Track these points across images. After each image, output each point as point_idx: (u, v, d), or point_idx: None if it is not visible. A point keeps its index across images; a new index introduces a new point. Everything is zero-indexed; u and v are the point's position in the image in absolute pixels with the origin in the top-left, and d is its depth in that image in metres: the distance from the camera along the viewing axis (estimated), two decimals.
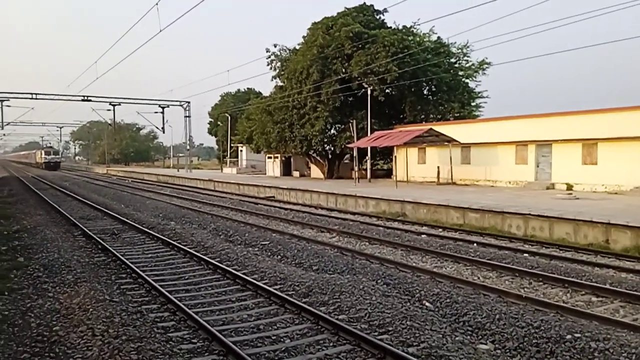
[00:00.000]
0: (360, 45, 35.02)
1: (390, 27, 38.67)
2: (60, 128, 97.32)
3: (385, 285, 9.24)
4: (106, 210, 21.29)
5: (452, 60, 41.09)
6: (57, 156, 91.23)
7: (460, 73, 41.45)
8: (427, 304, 8.25)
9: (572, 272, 10.51)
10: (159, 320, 7.58)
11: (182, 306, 7.90)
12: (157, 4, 18.65)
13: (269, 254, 12.65)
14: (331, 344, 6.62)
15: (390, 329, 6.93)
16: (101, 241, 13.85)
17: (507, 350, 6.53)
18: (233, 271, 10.25)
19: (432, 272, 10.65)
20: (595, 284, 9.56)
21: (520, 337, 6.71)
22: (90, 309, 7.53)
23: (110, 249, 12.79)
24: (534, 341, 6.58)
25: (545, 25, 37.55)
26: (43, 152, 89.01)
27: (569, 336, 6.59)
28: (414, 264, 11.56)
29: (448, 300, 8.27)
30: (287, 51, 41.80)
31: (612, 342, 6.40)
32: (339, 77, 35.52)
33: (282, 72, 41.03)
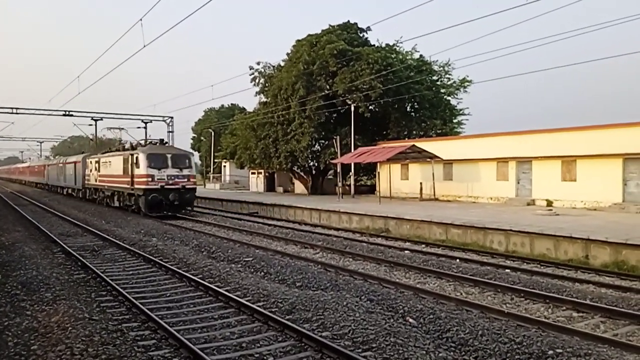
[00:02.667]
0: (344, 63, 35.35)
1: (374, 45, 39.16)
2: (41, 143, 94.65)
3: (368, 302, 9.23)
4: (86, 227, 20.97)
5: (434, 78, 41.64)
6: (189, 170, 26.61)
7: (442, 90, 41.99)
8: (410, 320, 8.25)
9: (553, 288, 10.63)
10: (140, 338, 7.45)
11: (163, 324, 7.78)
12: (141, 19, 18.73)
13: (252, 270, 12.55)
14: None
15: (374, 345, 6.91)
16: (81, 258, 13.62)
17: None
18: (215, 288, 10.15)
19: (416, 288, 10.67)
20: (575, 300, 9.68)
21: (503, 353, 6.73)
22: (69, 328, 7.38)
23: (90, 266, 12.57)
24: (516, 357, 6.62)
25: (524, 45, 38.44)
26: (143, 157, 25.37)
27: (550, 352, 6.64)
28: (397, 280, 11.57)
29: (431, 316, 8.29)
30: (271, 67, 42.02)
31: (593, 357, 6.47)
32: (324, 93, 35.75)
33: (266, 89, 41.16)
